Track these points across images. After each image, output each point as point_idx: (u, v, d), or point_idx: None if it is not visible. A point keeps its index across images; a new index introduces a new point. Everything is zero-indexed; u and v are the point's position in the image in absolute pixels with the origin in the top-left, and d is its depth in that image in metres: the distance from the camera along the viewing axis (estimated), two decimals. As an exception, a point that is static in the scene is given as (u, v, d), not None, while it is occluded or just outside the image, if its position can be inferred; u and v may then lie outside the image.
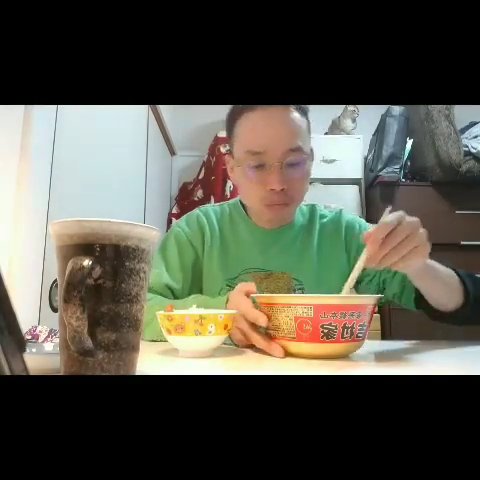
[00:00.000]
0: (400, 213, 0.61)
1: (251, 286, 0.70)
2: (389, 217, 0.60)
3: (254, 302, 0.67)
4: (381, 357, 0.67)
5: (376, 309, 0.63)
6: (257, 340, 0.63)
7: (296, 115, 0.85)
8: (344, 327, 0.56)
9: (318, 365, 0.55)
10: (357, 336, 0.58)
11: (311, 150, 0.90)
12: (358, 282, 0.94)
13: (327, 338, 0.56)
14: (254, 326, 0.65)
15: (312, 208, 1.02)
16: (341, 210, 1.02)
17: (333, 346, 0.57)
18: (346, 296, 0.62)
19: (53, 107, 1.12)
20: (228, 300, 0.71)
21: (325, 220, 1.00)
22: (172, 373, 0.49)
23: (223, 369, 0.55)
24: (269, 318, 0.62)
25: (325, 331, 0.56)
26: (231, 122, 0.90)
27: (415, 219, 0.62)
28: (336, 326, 0.56)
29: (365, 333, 0.60)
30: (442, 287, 0.76)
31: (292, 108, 0.85)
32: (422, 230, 0.62)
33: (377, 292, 0.90)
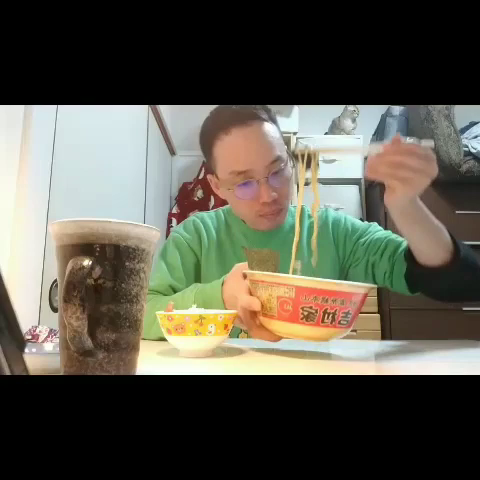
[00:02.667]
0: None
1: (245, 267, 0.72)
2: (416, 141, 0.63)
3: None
4: (381, 357, 0.67)
5: (365, 299, 0.62)
6: (250, 327, 0.65)
7: (268, 126, 0.89)
8: (325, 312, 0.57)
9: (318, 365, 0.55)
10: (339, 323, 0.58)
11: (287, 152, 0.93)
12: (345, 269, 0.98)
13: (306, 320, 0.57)
14: (251, 312, 0.66)
15: (301, 209, 1.05)
16: (327, 209, 1.07)
17: (311, 329, 0.58)
18: (329, 281, 0.62)
19: (53, 107, 1.12)
20: (224, 283, 0.74)
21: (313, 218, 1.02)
22: (172, 373, 0.49)
23: (223, 369, 0.55)
24: (253, 294, 0.64)
25: (305, 313, 0.57)
26: (207, 145, 0.93)
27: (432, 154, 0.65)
28: (317, 310, 0.56)
29: (350, 321, 0.60)
30: (430, 235, 0.75)
31: (263, 121, 0.88)
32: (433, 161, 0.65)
33: (366, 277, 0.92)
